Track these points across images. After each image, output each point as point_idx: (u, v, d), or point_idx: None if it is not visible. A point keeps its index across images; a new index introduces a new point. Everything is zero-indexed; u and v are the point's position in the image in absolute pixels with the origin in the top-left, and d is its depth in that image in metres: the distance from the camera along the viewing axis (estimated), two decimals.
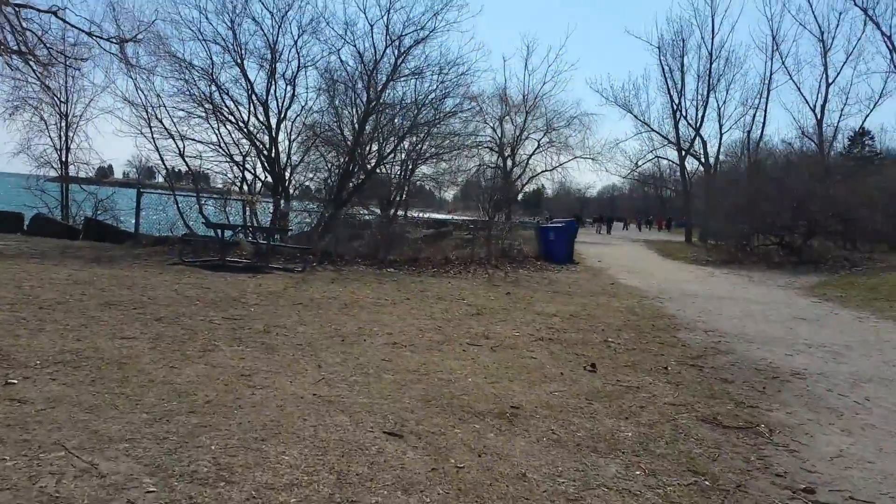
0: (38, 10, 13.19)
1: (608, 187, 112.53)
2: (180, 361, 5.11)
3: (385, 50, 17.98)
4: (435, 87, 18.51)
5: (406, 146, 19.61)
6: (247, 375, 4.82)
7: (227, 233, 13.22)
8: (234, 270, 11.54)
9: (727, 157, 43.08)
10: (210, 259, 12.80)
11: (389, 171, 20.63)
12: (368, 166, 19.25)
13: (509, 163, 39.92)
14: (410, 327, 7.30)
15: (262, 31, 17.92)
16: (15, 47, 12.59)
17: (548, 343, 6.87)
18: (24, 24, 12.79)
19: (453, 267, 16.05)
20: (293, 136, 19.19)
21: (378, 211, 21.85)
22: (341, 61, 18.16)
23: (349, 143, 18.49)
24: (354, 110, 18.76)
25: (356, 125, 18.43)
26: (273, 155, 18.30)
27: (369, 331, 6.92)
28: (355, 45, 18.14)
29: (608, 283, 13.88)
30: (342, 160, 19.17)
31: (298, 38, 18.23)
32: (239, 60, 17.87)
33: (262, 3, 17.53)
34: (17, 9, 12.72)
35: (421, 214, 30.57)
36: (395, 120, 19.07)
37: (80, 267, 10.49)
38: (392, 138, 18.99)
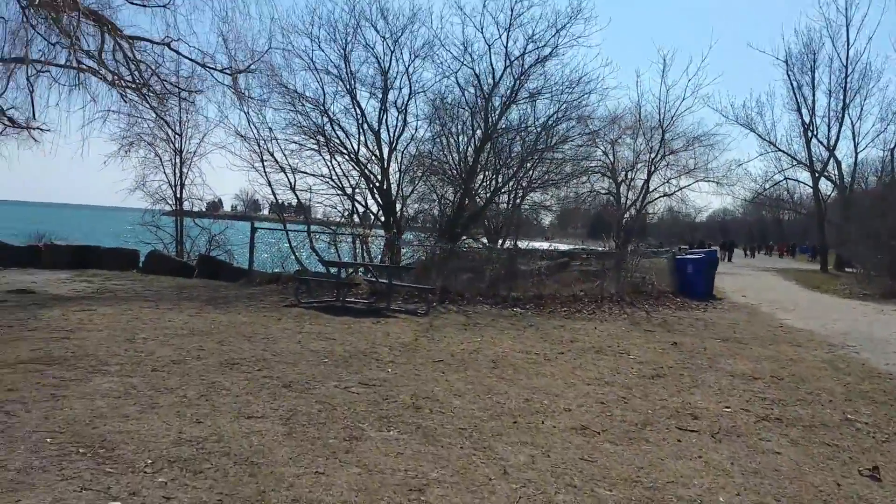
0: (152, 42, 12.86)
1: (718, 211, 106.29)
2: (325, 460, 3.91)
3: (504, 71, 16.85)
4: (556, 108, 17.18)
5: (519, 173, 18.32)
6: (417, 490, 3.54)
7: (341, 270, 12.31)
8: (354, 314, 10.50)
9: (864, 177, 39.40)
10: (327, 300, 11.87)
11: (498, 200, 19.38)
12: (484, 196, 18.07)
13: (622, 188, 37.88)
14: (587, 398, 5.88)
15: (375, 57, 17.19)
16: (130, 81, 12.21)
17: (777, 425, 5.28)
18: (139, 57, 12.42)
19: (584, 305, 14.53)
20: (403, 166, 18.32)
21: (485, 242, 20.65)
22: (459, 87, 17.12)
23: (463, 172, 17.38)
24: (469, 137, 17.68)
25: (471, 153, 17.32)
26: (385, 186, 17.43)
27: (540, 404, 5.56)
28: (472, 68, 17.07)
29: (775, 326, 11.96)
30: (456, 190, 18.09)
31: (410, 63, 17.40)
32: (350, 89, 17.21)
33: (375, 29, 16.77)
34: (130, 41, 12.38)
35: (530, 244, 29.17)
36: (512, 146, 17.84)
37: (195, 311, 9.71)
38: (509, 166, 17.74)
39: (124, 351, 6.57)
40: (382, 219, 17.88)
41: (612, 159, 37.57)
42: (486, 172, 17.95)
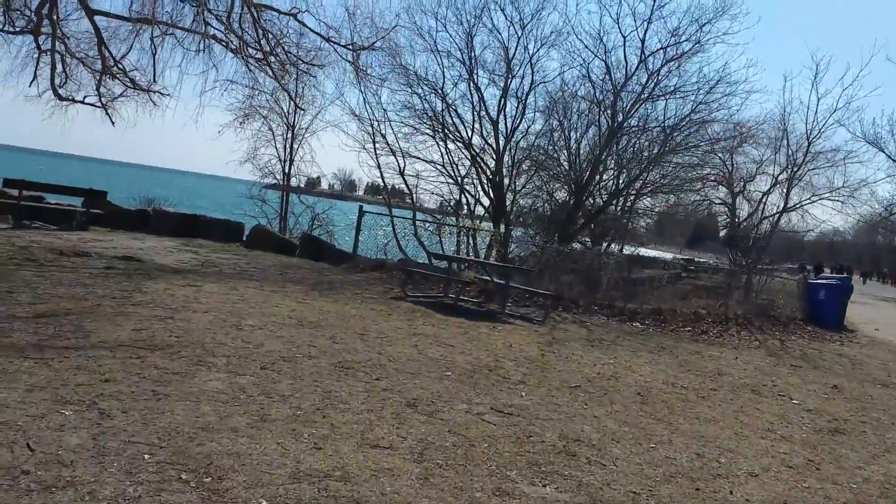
0: (279, 12, 12.34)
1: (828, 231, 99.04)
2: None
3: (637, 66, 15.55)
4: (691, 108, 15.73)
5: (643, 175, 16.96)
6: None
7: (451, 264, 11.50)
8: (467, 315, 9.66)
9: None
10: (434, 296, 11.10)
11: (616, 203, 18.06)
12: (601, 197, 16.87)
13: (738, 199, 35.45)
14: (770, 459, 4.79)
15: (500, 42, 16.25)
16: (257, 47, 11.75)
17: None
18: (265, 26, 11.95)
19: (708, 326, 13.20)
20: (517, 159, 17.34)
21: (589, 245, 19.38)
22: (590, 79, 15.92)
23: (584, 170, 16.24)
24: (592, 134, 16.50)
25: (593, 150, 16.15)
26: (497, 179, 16.51)
27: (717, 463, 4.51)
28: (605, 60, 15.84)
29: None
30: (571, 188, 16.97)
31: (536, 52, 16.35)
32: (471, 74, 16.34)
33: (503, 13, 15.82)
34: (259, 9, 11.91)
35: (636, 251, 27.57)
36: (637, 145, 16.52)
37: (301, 296, 9.12)
38: (632, 167, 16.45)
39: (231, 340, 5.94)
40: (491, 212, 16.99)
41: (729, 168, 35.22)
42: (608, 172, 16.73)
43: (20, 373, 4.27)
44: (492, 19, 16.11)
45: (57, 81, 13.93)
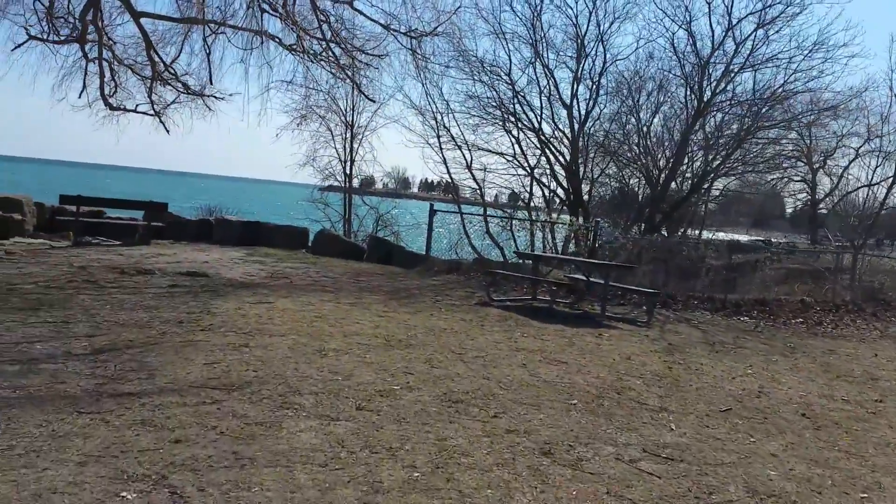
0: (334, 1, 11.47)
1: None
2: None
3: (724, 36, 14.16)
4: (785, 78, 14.27)
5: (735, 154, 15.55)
6: None
7: (538, 263, 10.49)
8: (564, 320, 8.65)
9: None
10: (521, 298, 10.14)
11: (706, 185, 16.66)
12: (688, 180, 15.56)
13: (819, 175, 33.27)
14: None
15: (570, 19, 15.10)
16: (320, 37, 10.94)
17: None
18: (321, 16, 11.12)
19: (821, 315, 11.89)
20: (593, 145, 16.17)
21: (664, 233, 18.00)
22: (675, 52, 14.59)
23: (669, 153, 14.97)
24: (677, 112, 15.20)
25: (678, 131, 14.86)
26: (574, 168, 15.39)
27: None
28: (688, 30, 14.49)
29: None
30: (656, 174, 15.72)
31: (609, 27, 15.13)
32: (541, 55, 15.24)
33: None
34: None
35: (715, 235, 25.94)
36: (726, 122, 15.13)
37: (382, 308, 8.27)
38: (720, 148, 15.07)
39: (317, 371, 5.10)
40: (567, 203, 15.89)
41: (808, 143, 33.04)
42: (694, 153, 15.39)
43: (72, 436, 3.49)
44: None
45: (107, 91, 13.44)
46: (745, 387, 5.90)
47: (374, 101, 13.31)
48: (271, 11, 10.14)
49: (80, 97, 13.10)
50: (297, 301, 8.29)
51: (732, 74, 14.38)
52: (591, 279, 9.77)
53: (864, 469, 4.05)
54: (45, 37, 12.11)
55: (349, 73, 11.42)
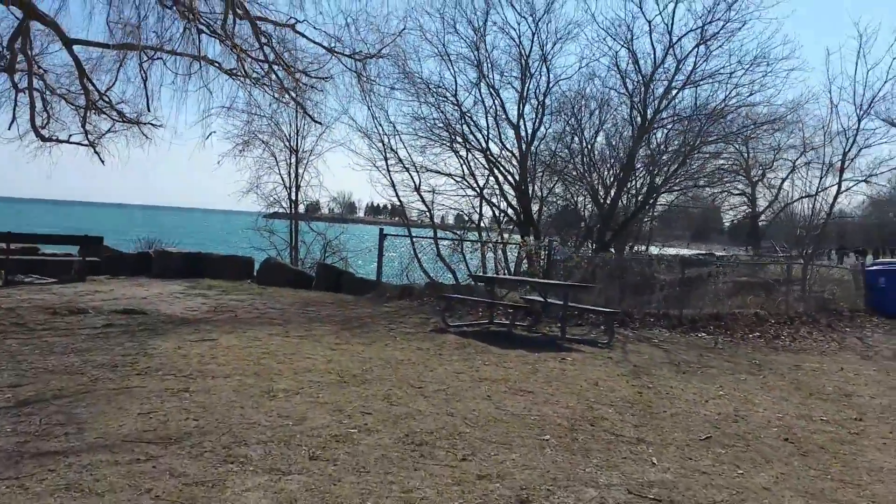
0: (276, 24, 11.11)
1: (835, 213, 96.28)
2: None
3: (665, 54, 14.30)
4: (725, 94, 14.47)
5: (680, 171, 15.66)
6: None
7: (494, 286, 10.21)
8: (524, 345, 8.36)
9: None
10: (480, 323, 9.83)
11: (653, 202, 16.74)
12: (635, 198, 15.59)
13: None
14: None
15: (513, 40, 15.03)
16: (262, 59, 10.52)
17: None
18: (263, 40, 10.72)
19: (777, 329, 11.91)
20: (541, 164, 16.09)
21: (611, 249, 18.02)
22: (619, 71, 14.64)
23: (615, 170, 14.98)
24: (623, 131, 15.25)
25: (624, 149, 14.89)
26: (523, 187, 15.24)
27: None
28: (630, 48, 14.58)
29: None
30: (604, 192, 15.70)
31: (553, 46, 15.13)
32: (486, 77, 15.13)
33: (514, 8, 14.59)
34: (253, 21, 10.68)
35: (662, 250, 26.26)
36: (669, 139, 15.24)
37: (334, 340, 7.84)
38: (664, 164, 15.16)
39: (265, 416, 4.64)
40: (517, 223, 15.72)
41: (747, 156, 33.92)
42: (638, 170, 15.44)
43: None
44: (504, 15, 14.95)
45: (39, 121, 12.74)
46: (720, 410, 5.67)
47: (320, 123, 12.95)
48: (210, 33, 9.68)
49: (9, 129, 12.39)
50: (242, 336, 7.78)
51: (675, 91, 14.54)
52: (549, 300, 9.51)
53: (864, 500, 3.82)
54: None
55: (293, 96, 11.01)
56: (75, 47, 11.36)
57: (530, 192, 15.62)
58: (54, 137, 12.57)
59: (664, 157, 14.98)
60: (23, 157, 13.02)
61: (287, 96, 11.52)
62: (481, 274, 13.64)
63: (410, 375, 6.21)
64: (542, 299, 9.63)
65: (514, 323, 9.18)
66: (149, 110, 11.62)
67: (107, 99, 12.12)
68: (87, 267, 13.22)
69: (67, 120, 13.25)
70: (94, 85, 11.90)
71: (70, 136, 12.75)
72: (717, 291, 14.60)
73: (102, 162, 12.90)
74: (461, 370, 6.58)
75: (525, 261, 12.08)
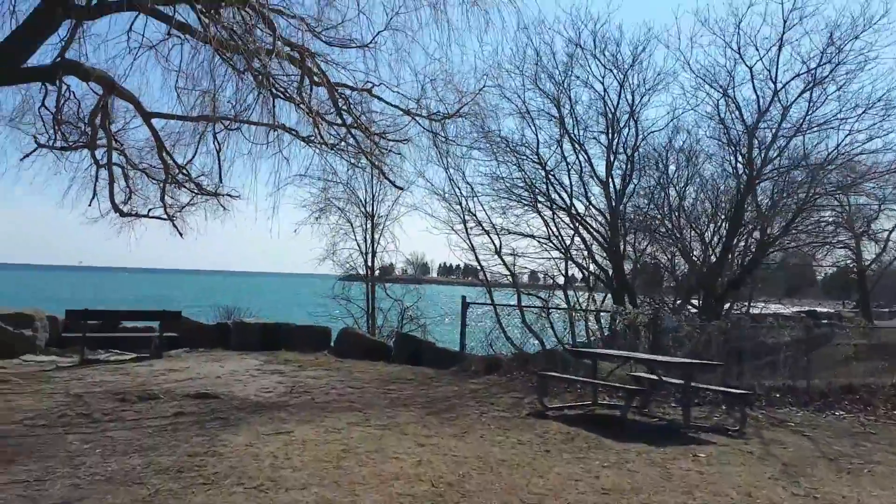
0: (352, 89, 10.66)
1: None
2: None
3: (771, 101, 13.17)
4: (840, 139, 13.16)
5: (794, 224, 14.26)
6: None
7: (595, 361, 9.10)
8: (642, 436, 7.20)
9: None
10: (583, 405, 8.74)
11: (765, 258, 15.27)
12: (742, 256, 14.25)
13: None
14: None
15: (598, 94, 14.25)
16: (339, 123, 10.05)
17: None
18: (339, 104, 10.26)
19: None
20: (631, 222, 15.03)
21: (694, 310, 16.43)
22: (721, 121, 13.58)
23: (718, 226, 13.76)
24: (723, 184, 14.10)
25: (728, 203, 13.69)
26: (615, 247, 14.19)
27: None
28: (732, 97, 13.53)
29: None
30: (701, 249, 14.46)
31: (642, 98, 14.25)
32: (568, 133, 14.34)
33: (598, 60, 13.84)
34: (330, 88, 10.24)
35: (766, 308, 24.21)
36: (777, 193, 13.94)
37: (419, 428, 6.94)
38: (774, 217, 13.83)
39: None
40: (606, 285, 14.60)
41: (849, 207, 31.60)
42: (745, 225, 14.13)
43: None
44: (588, 68, 14.15)
45: (121, 197, 12.65)
46: None
47: (400, 189, 12.32)
48: (284, 97, 9.26)
49: (90, 205, 12.32)
50: (319, 426, 6.97)
51: (783, 141, 13.34)
52: (662, 377, 8.35)
53: None
54: (53, 144, 11.44)
55: (371, 160, 10.46)
56: (154, 120, 11.22)
57: (622, 251, 14.53)
58: (134, 212, 12.40)
59: (775, 211, 13.67)
60: (103, 232, 12.89)
61: (364, 160, 11.00)
62: (572, 343, 12.59)
63: (518, 484, 5.20)
64: (653, 376, 8.47)
65: (628, 407, 8.01)
66: (221, 181, 11.32)
67: (185, 172, 11.92)
68: (165, 342, 12.91)
69: (151, 195, 13.13)
70: (172, 158, 11.73)
71: (150, 210, 12.59)
72: (837, 356, 12.99)
73: (181, 235, 12.68)
74: (577, 475, 5.51)
75: (628, 330, 10.93)
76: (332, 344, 15.10)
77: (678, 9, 19.69)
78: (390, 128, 10.95)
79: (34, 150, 11.17)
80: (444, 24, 9.84)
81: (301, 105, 8.91)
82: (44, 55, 9.78)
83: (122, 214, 12.18)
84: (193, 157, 12.01)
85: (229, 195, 12.06)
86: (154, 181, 12.71)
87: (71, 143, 11.32)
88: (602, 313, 13.50)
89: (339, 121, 9.83)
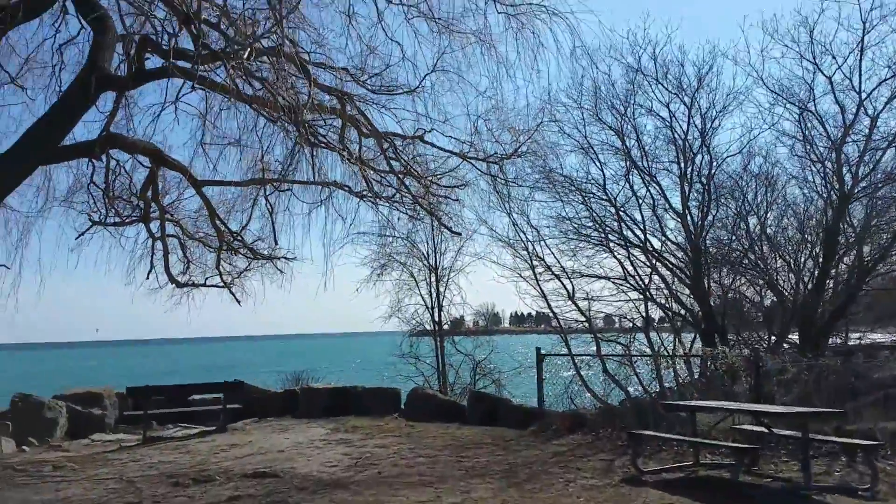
0: (403, 137, 10.15)
1: None
2: None
3: (857, 112, 12.04)
4: None
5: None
6: None
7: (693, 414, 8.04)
8: (759, 502, 6.14)
9: None
10: (686, 467, 7.67)
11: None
12: (833, 282, 12.92)
13: None
14: None
15: (666, 121, 13.40)
16: (394, 170, 9.55)
17: None
18: (389, 154, 9.76)
19: None
20: (713, 254, 13.92)
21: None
22: (806, 139, 12.50)
23: (811, 252, 12.53)
24: (808, 207, 12.92)
25: (822, 226, 12.49)
26: (698, 283, 13.09)
27: None
28: (813, 111, 12.48)
29: None
30: (793, 280, 13.20)
31: (713, 121, 13.31)
32: (634, 165, 13.48)
33: (662, 85, 13.03)
34: (380, 139, 9.76)
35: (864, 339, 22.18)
36: (875, 209, 12.64)
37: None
38: (876, 237, 12.53)
39: None
40: (696, 326, 13.43)
41: None
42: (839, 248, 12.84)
43: None
44: (653, 94, 13.33)
45: (180, 267, 12.41)
46: None
47: (458, 234, 11.60)
48: (324, 146, 8.82)
49: (147, 277, 12.11)
50: None
51: (874, 154, 12.13)
52: (774, 430, 7.24)
53: None
54: (107, 220, 11.32)
55: (427, 207, 9.86)
56: (205, 188, 10.98)
57: (707, 287, 13.40)
58: (190, 282, 12.10)
59: (871, 233, 12.37)
60: (163, 305, 12.63)
61: (421, 210, 10.42)
62: (659, 391, 11.49)
63: None
64: (762, 428, 7.35)
65: (739, 466, 6.91)
66: (276, 243, 10.89)
67: (239, 238, 11.58)
68: (229, 415, 12.50)
69: (209, 263, 12.87)
70: (225, 225, 11.42)
71: (207, 278, 12.25)
72: None
73: (238, 302, 12.25)
74: None
75: (725, 375, 9.79)
76: (402, 406, 14.41)
77: (744, 21, 18.45)
78: (444, 173, 10.39)
79: (88, 228, 11.02)
80: (493, 58, 9.28)
81: (346, 156, 8.44)
82: (93, 129, 9.71)
83: (179, 285, 11.89)
84: (248, 222, 11.67)
85: (285, 258, 11.62)
86: (211, 249, 12.45)
87: (125, 218, 11.13)
88: (677, 356, 12.36)
89: (388, 167, 9.31)
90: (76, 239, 11.32)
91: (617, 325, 17.09)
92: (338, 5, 9.10)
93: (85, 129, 9.88)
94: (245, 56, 7.19)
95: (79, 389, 13.20)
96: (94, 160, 9.56)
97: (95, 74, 7.65)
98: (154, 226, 11.72)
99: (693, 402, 8.49)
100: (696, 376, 12.02)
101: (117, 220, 11.14)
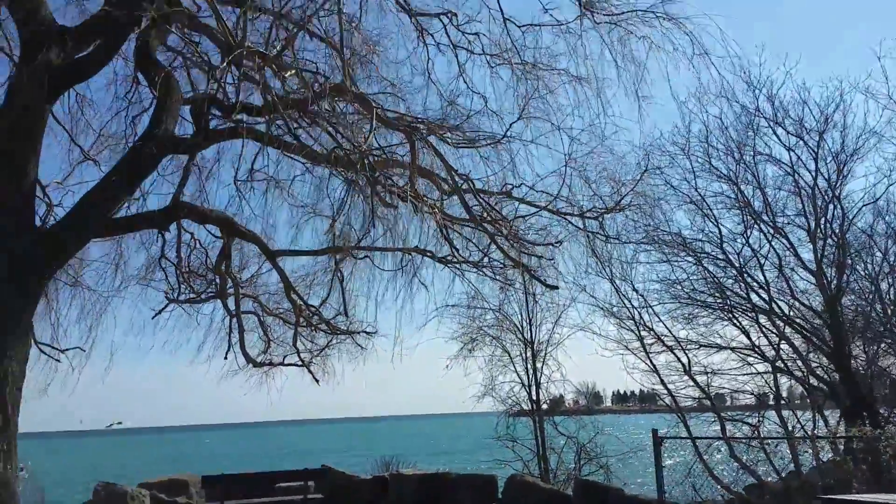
0: (492, 194, 9.18)
1: None
2: None
3: None
4: None
5: None
6: None
7: None
8: None
9: None
10: None
11: None
12: None
13: None
14: None
15: (789, 168, 11.85)
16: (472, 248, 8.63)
17: None
18: (474, 213, 8.76)
19: None
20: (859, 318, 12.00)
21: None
22: None
23: None
24: None
25: None
26: (840, 353, 11.20)
27: None
28: None
29: None
30: None
31: (844, 165, 11.63)
32: (757, 221, 11.92)
33: (782, 127, 11.54)
34: (466, 195, 8.78)
35: None
36: None
37: None
38: None
39: None
40: (844, 404, 11.44)
41: None
42: None
43: None
44: (775, 138, 11.82)
45: (261, 346, 11.72)
46: None
47: (553, 288, 10.27)
48: (399, 196, 7.95)
49: (225, 357, 11.46)
50: None
51: None
52: None
53: None
54: (179, 297, 10.81)
55: (517, 259, 8.70)
56: (279, 259, 10.30)
57: (849, 356, 11.47)
58: (267, 362, 11.35)
59: None
60: (242, 387, 11.92)
61: (513, 270, 9.34)
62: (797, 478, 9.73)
63: None
64: None
65: None
66: (346, 315, 9.98)
67: (316, 312, 10.79)
68: None
69: (288, 340, 12.13)
70: (301, 298, 10.69)
71: (284, 357, 11.47)
72: None
73: (317, 382, 11.38)
74: None
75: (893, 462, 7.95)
76: (499, 495, 13.06)
77: (879, 48, 15.91)
78: (533, 232, 9.30)
79: (164, 307, 10.51)
80: (583, 90, 8.25)
81: (429, 209, 7.51)
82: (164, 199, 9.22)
83: (256, 365, 11.17)
84: (328, 295, 10.87)
85: (365, 332, 10.70)
86: (290, 325, 11.72)
87: (199, 295, 10.56)
88: (840, 438, 10.42)
89: (476, 225, 8.29)
90: (153, 318, 10.87)
91: (741, 403, 15.14)
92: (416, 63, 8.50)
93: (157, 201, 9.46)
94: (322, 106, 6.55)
95: (163, 477, 13.07)
96: (162, 232, 9.07)
97: (159, 136, 7.12)
98: (232, 302, 11.15)
99: (863, 498, 6.72)
100: (851, 463, 10.06)
101: (192, 296, 10.62)
